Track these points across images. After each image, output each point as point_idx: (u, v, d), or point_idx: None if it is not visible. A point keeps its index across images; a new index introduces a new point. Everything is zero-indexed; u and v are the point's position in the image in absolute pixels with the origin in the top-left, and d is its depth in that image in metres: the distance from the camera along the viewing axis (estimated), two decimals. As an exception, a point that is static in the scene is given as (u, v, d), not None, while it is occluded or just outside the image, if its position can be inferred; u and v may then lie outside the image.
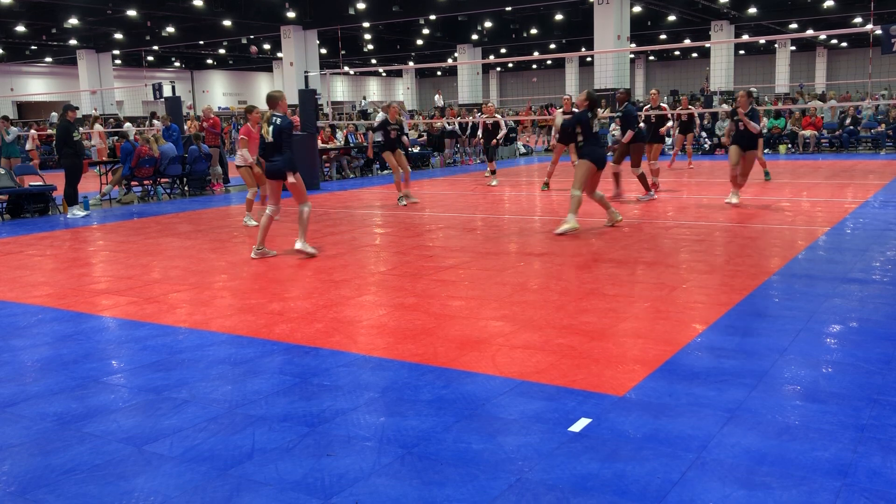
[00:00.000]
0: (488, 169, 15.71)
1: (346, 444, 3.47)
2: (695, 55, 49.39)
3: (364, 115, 32.00)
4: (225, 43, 38.30)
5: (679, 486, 2.98)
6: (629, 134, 11.61)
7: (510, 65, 56.23)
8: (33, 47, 37.08)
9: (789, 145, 21.49)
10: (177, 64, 48.42)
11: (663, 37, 37.48)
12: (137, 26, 32.06)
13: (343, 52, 37.01)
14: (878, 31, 12.79)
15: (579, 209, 9.04)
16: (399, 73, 56.44)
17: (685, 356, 4.49)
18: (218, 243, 9.18)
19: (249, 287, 6.69)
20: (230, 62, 48.61)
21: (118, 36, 34.04)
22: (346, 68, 46.84)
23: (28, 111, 42.17)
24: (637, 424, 3.56)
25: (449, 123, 22.87)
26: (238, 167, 10.51)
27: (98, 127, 22.47)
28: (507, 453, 3.31)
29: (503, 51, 45.04)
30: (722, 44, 29.23)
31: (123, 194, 14.77)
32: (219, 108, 43.90)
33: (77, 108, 14.33)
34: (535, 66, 54.01)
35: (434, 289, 6.37)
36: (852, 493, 2.90)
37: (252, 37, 34.93)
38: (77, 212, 12.34)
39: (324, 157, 17.98)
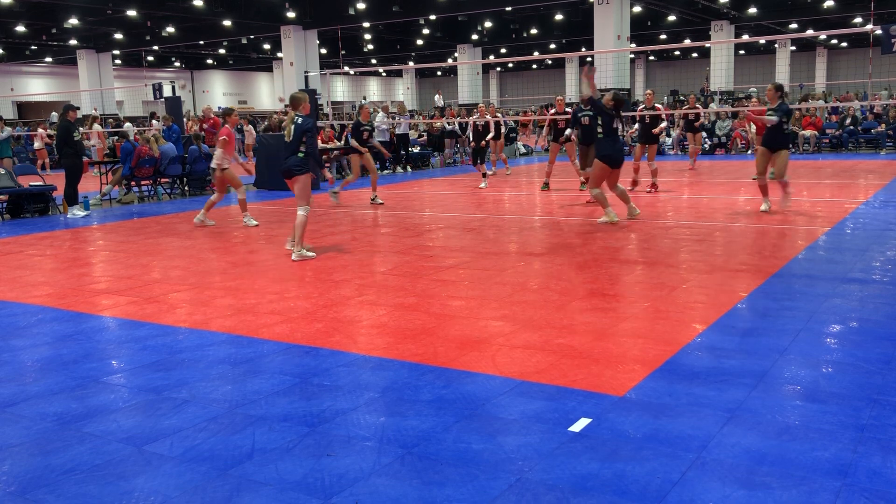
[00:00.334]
0: (481, 171, 15.60)
1: (346, 444, 3.47)
2: (695, 55, 49.40)
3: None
4: (225, 43, 38.32)
5: (679, 486, 2.98)
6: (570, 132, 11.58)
7: (510, 65, 56.23)
8: (33, 47, 37.10)
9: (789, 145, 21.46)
10: (177, 64, 48.43)
11: (663, 37, 37.48)
12: (137, 26, 32.07)
13: (343, 52, 37.02)
14: (878, 31, 12.78)
15: (606, 201, 9.55)
16: (399, 73, 56.44)
17: (685, 356, 4.48)
18: (218, 243, 9.18)
19: (249, 287, 6.69)
20: (230, 62, 48.62)
21: (118, 36, 34.05)
22: (346, 68, 46.86)
23: (28, 111, 42.18)
24: (637, 424, 3.56)
25: (449, 123, 22.87)
26: (223, 170, 10.24)
27: (97, 127, 22.47)
28: (507, 453, 3.31)
29: (503, 51, 45.05)
30: (722, 44, 29.25)
31: (123, 194, 14.78)
32: (219, 108, 43.88)
33: (78, 108, 14.33)
34: (535, 66, 54.03)
35: (434, 289, 6.37)
36: (852, 493, 2.90)
37: (252, 37, 34.95)
38: (77, 212, 12.34)
39: (324, 157, 17.97)
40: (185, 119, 22.04)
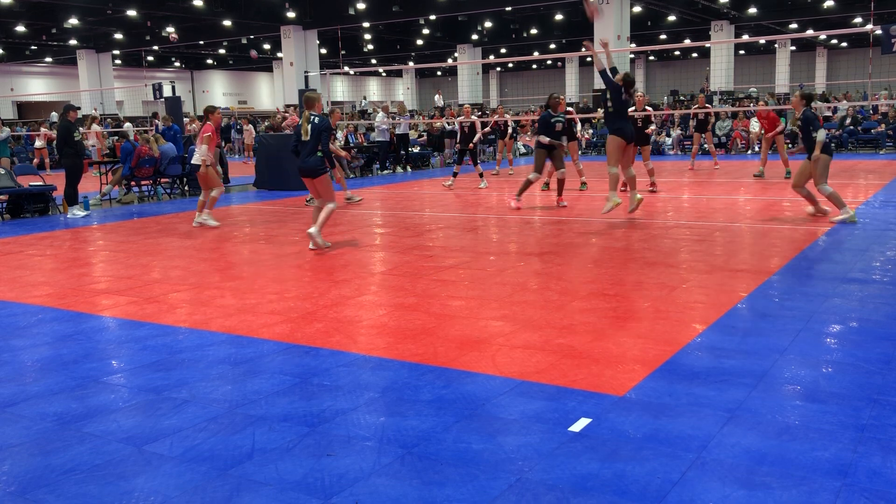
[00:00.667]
0: (477, 172, 15.54)
1: (346, 444, 3.47)
2: (695, 55, 49.40)
3: (363, 114, 32.00)
4: (225, 43, 38.32)
5: (679, 486, 2.98)
6: (545, 138, 11.48)
7: (510, 65, 56.23)
8: (33, 47, 37.11)
9: (789, 145, 21.46)
10: (177, 64, 48.43)
11: (663, 37, 37.49)
12: (137, 26, 32.07)
13: (343, 52, 37.02)
14: (878, 31, 12.79)
15: (618, 185, 9.52)
16: (399, 73, 56.44)
17: (685, 356, 4.48)
18: (218, 243, 9.18)
19: (249, 287, 6.69)
20: (230, 62, 48.63)
21: (118, 36, 34.06)
22: (346, 68, 46.86)
23: (28, 111, 42.18)
24: (637, 424, 3.56)
25: (449, 123, 22.86)
26: (206, 166, 10.37)
27: (95, 127, 22.47)
28: (507, 453, 3.31)
29: (503, 51, 45.06)
30: (722, 44, 29.25)
31: (123, 194, 14.78)
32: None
33: (78, 108, 14.34)
34: (534, 66, 54.03)
35: (434, 289, 6.37)
36: (852, 493, 2.90)
37: (252, 37, 34.95)
38: (77, 212, 12.34)
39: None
40: (184, 119, 22.03)
